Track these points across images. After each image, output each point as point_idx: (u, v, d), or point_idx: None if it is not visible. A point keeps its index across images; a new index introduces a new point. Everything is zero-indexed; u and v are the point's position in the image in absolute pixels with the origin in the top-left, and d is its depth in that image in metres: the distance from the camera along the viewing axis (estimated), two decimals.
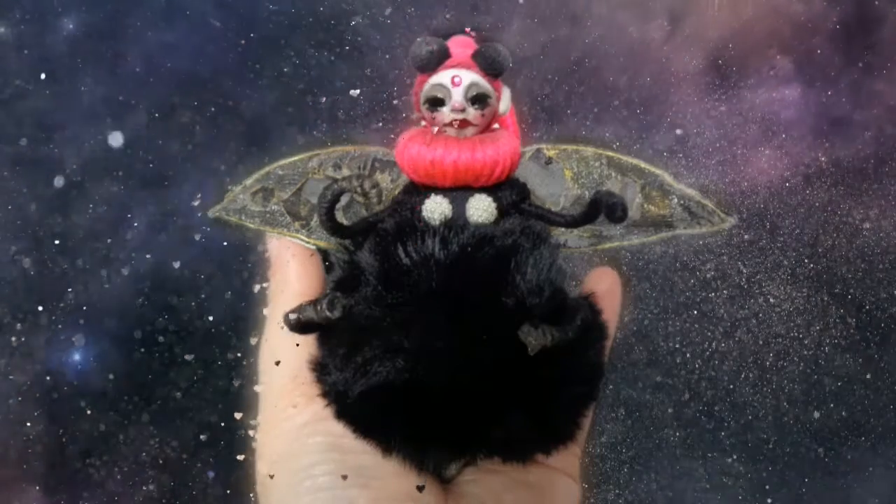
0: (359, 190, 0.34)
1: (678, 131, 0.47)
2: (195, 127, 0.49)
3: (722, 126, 0.49)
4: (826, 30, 0.49)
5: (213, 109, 0.48)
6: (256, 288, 0.40)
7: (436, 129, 0.35)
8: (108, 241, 0.49)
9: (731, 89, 0.50)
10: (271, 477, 0.36)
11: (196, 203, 0.42)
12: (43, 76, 0.47)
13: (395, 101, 0.48)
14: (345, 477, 0.34)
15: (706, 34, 0.49)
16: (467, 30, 0.38)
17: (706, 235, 0.50)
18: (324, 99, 0.48)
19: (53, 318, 0.49)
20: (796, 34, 0.50)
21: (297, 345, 0.37)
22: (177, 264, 0.48)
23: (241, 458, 0.39)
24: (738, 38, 0.49)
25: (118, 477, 0.50)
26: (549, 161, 0.41)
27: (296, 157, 0.41)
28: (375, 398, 0.34)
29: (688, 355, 0.53)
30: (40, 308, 0.49)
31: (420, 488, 0.35)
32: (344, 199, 0.38)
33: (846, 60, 0.51)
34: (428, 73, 0.35)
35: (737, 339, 0.53)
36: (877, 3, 0.50)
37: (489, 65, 0.35)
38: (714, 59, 0.49)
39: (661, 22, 0.48)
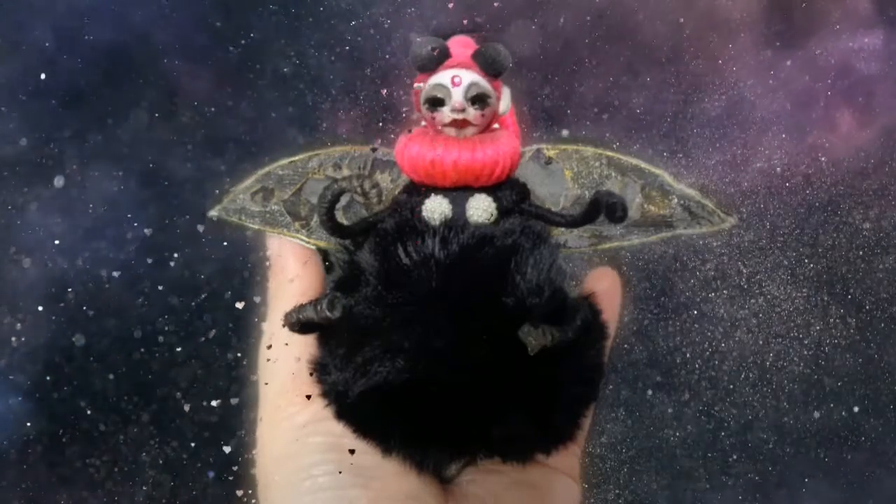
0: (359, 190, 0.34)
1: (732, 90, 0.41)
2: (196, 127, 0.48)
3: (783, 87, 0.42)
4: None
5: (213, 109, 0.48)
6: (256, 288, 0.40)
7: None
8: (108, 241, 0.49)
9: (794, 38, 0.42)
10: (271, 477, 0.36)
11: (196, 203, 0.42)
12: None
13: (395, 101, 0.48)
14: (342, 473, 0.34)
15: None
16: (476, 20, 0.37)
17: (706, 235, 0.50)
18: (324, 99, 0.48)
19: (53, 317, 0.49)
20: None
21: (298, 359, 0.37)
22: (177, 264, 0.48)
23: (240, 458, 0.39)
24: None
25: (118, 477, 0.50)
26: (549, 161, 0.41)
27: (296, 157, 0.41)
28: (375, 398, 0.34)
29: (688, 355, 0.53)
30: (40, 308, 0.49)
31: None
32: (344, 199, 0.38)
33: None
34: (428, 73, 0.35)
35: (737, 339, 0.53)
36: None
37: (489, 65, 0.35)
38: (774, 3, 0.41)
39: None
